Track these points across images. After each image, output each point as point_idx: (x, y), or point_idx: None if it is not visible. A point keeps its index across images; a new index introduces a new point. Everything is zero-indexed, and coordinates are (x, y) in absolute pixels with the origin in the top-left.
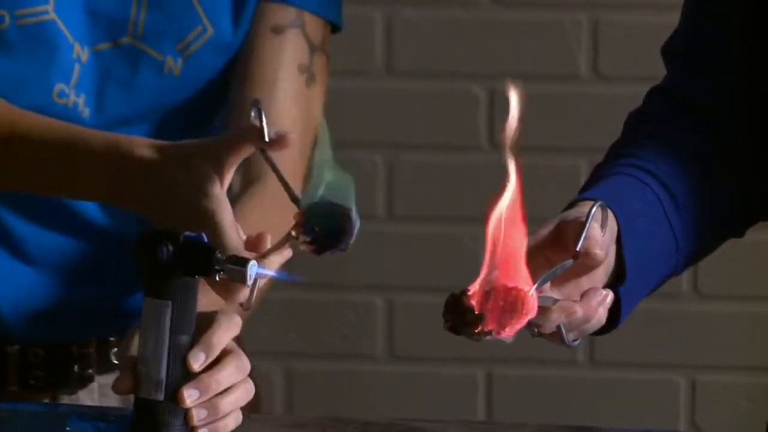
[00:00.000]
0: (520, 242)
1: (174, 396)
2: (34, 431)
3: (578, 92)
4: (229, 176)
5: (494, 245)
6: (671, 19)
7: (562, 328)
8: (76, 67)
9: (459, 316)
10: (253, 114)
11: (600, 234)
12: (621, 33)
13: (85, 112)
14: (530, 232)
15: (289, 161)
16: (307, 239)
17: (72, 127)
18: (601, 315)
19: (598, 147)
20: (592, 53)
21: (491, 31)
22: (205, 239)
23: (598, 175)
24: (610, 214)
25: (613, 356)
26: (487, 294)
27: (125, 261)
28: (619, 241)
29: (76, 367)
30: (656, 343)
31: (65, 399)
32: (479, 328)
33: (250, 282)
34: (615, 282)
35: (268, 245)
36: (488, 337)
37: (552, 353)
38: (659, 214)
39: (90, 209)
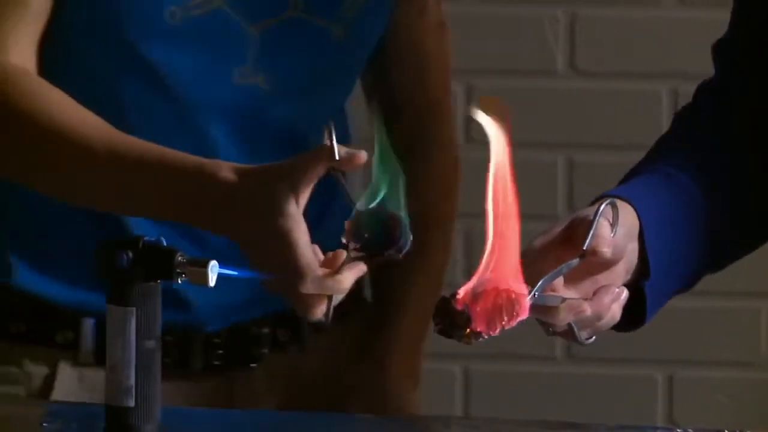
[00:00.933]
0: (513, 242)
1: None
2: None
3: (555, 88)
4: (305, 195)
5: (493, 247)
6: (649, 14)
7: (574, 327)
8: (251, 47)
9: (448, 320)
10: (325, 135)
11: (608, 232)
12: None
13: (265, 89)
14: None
15: (441, 103)
16: (356, 246)
17: (162, 149)
18: (614, 312)
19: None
20: (569, 48)
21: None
22: (164, 243)
23: (634, 171)
24: (630, 211)
25: (591, 352)
26: (476, 296)
27: None
28: (641, 238)
29: (252, 347)
30: (633, 338)
31: (241, 378)
32: (468, 331)
33: (212, 283)
34: (641, 278)
35: (343, 257)
36: (480, 339)
37: (529, 348)
38: (692, 210)
39: None
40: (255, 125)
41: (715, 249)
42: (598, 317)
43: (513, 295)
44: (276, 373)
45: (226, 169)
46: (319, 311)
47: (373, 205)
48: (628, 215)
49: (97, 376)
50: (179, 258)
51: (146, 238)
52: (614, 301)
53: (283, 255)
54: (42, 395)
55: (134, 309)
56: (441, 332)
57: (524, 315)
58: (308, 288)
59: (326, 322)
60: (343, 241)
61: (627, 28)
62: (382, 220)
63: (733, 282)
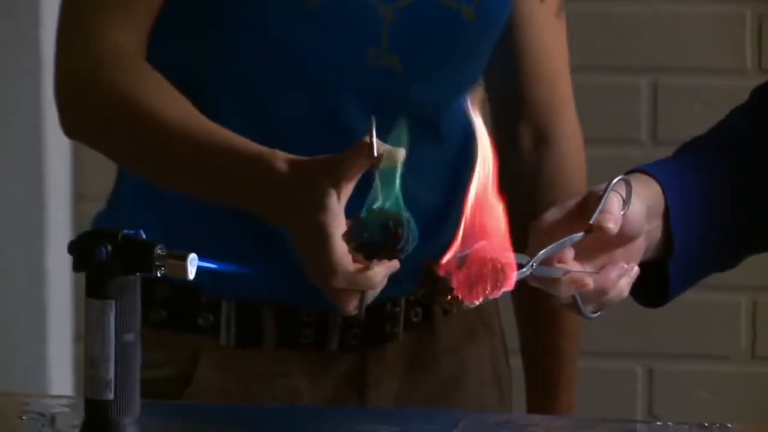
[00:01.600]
0: (499, 213)
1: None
2: None
3: None
4: (348, 190)
5: (472, 216)
6: (629, 9)
7: (578, 300)
8: (385, 29)
9: (430, 285)
10: (367, 130)
11: (617, 208)
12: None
13: (399, 70)
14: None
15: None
16: (355, 245)
17: (232, 136)
18: (622, 288)
19: None
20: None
21: None
22: (143, 236)
23: (680, 148)
24: (654, 187)
25: None
26: (460, 263)
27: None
28: (666, 216)
29: (388, 326)
30: (612, 330)
31: (373, 357)
32: (449, 298)
33: (191, 276)
34: (667, 256)
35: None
36: (465, 307)
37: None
38: (726, 188)
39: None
40: (388, 108)
41: (750, 232)
42: (603, 292)
43: (499, 265)
44: (405, 352)
45: (281, 160)
46: (352, 306)
47: (376, 205)
48: (652, 192)
49: (236, 359)
50: (158, 251)
51: (125, 231)
52: (622, 277)
53: (318, 248)
54: (184, 379)
55: (113, 302)
56: (424, 297)
57: (509, 286)
58: (339, 282)
59: (360, 317)
60: (344, 239)
61: (606, 22)
62: (382, 220)
63: (714, 275)
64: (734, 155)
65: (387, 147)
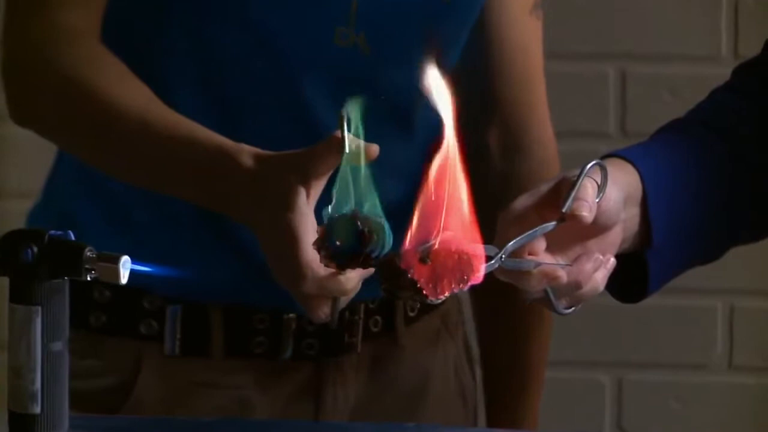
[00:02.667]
0: (461, 203)
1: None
2: None
3: None
4: (318, 188)
5: (434, 205)
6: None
7: (551, 294)
8: (353, 5)
9: (393, 280)
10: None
11: (592, 195)
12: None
13: (366, 50)
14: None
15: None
16: (326, 254)
17: (195, 127)
18: (597, 281)
19: None
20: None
21: None
22: (72, 237)
23: (658, 130)
24: (632, 173)
25: None
26: (423, 255)
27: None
28: (644, 203)
29: (346, 335)
30: (578, 338)
31: (330, 369)
32: (412, 292)
33: (123, 280)
34: (645, 247)
35: None
36: (429, 302)
37: None
38: (707, 172)
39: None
40: (355, 91)
41: (734, 219)
42: (578, 286)
43: (465, 257)
44: (364, 363)
45: (246, 154)
46: (323, 313)
47: (346, 210)
48: (630, 178)
49: (182, 368)
50: (88, 253)
51: (52, 232)
52: (597, 269)
53: (286, 250)
54: (125, 390)
55: (39, 308)
56: (385, 291)
57: (477, 280)
58: (309, 287)
59: (332, 324)
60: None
61: (569, 4)
62: (355, 226)
63: (686, 277)
64: (718, 136)
65: (360, 142)
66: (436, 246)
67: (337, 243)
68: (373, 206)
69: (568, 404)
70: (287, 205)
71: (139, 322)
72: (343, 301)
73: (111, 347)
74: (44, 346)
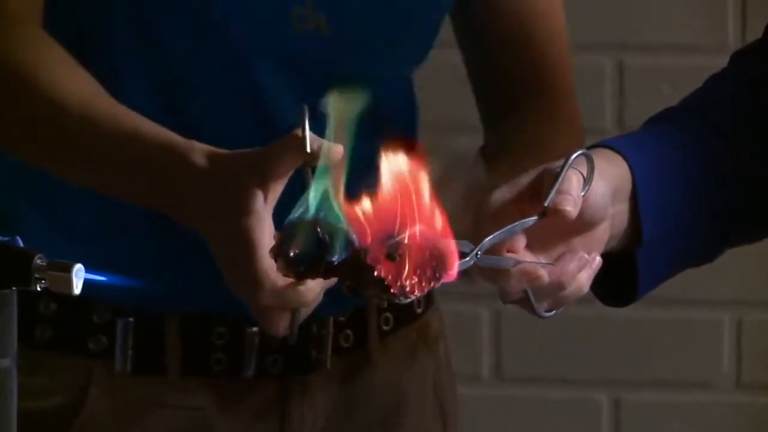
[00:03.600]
0: (428, 196)
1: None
2: None
3: None
4: (276, 191)
5: (383, 192)
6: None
7: (531, 296)
8: None
9: (358, 276)
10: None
11: (577, 188)
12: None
13: (327, 33)
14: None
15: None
16: (283, 262)
17: (142, 121)
18: (581, 282)
19: None
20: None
21: None
22: (20, 243)
23: (648, 120)
24: (620, 165)
25: (524, 371)
26: (391, 250)
27: None
28: (635, 198)
29: (313, 351)
30: (572, 354)
31: (297, 387)
32: (379, 291)
33: (77, 290)
34: (634, 246)
35: None
36: (396, 301)
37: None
38: (704, 165)
39: None
40: (318, 79)
41: (728, 217)
42: (560, 287)
43: (437, 253)
44: (333, 381)
45: (198, 153)
46: (281, 327)
47: (308, 214)
48: (618, 171)
49: (135, 387)
50: (38, 261)
51: None
52: (581, 269)
53: (241, 257)
54: (73, 410)
55: None
56: (349, 290)
57: (450, 278)
58: (266, 298)
59: (291, 339)
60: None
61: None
62: (313, 232)
63: (690, 288)
64: (713, 129)
65: (322, 142)
66: (405, 241)
67: (295, 251)
68: (333, 211)
69: (563, 425)
70: (242, 208)
71: (87, 337)
72: (304, 314)
73: (57, 364)
74: None
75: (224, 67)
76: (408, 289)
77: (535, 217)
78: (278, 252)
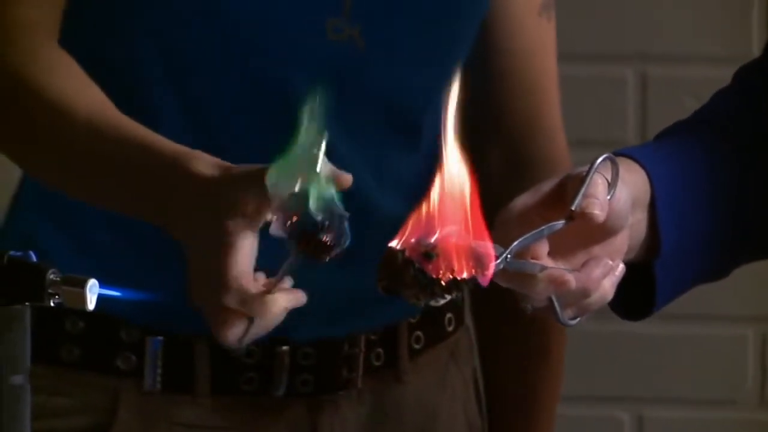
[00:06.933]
0: (466, 191)
1: None
2: None
3: None
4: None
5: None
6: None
7: (555, 303)
8: None
9: (394, 275)
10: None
11: (603, 192)
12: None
13: (361, 43)
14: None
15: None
16: (289, 228)
17: (147, 134)
18: (606, 290)
19: None
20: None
21: None
22: (34, 258)
23: (661, 133)
24: (640, 175)
25: None
26: (428, 249)
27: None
28: (653, 208)
29: (344, 370)
30: (596, 372)
31: (327, 406)
32: (415, 290)
33: (91, 306)
34: (651, 256)
35: (286, 284)
36: (432, 303)
37: None
38: (722, 178)
39: (370, 191)
40: (351, 90)
41: (744, 230)
42: (585, 293)
43: (474, 254)
44: (364, 401)
45: (203, 162)
46: (233, 333)
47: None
48: (638, 180)
49: (163, 406)
50: (51, 276)
51: (11, 252)
52: (606, 276)
53: (217, 258)
54: (101, 430)
55: None
56: (385, 289)
57: (485, 279)
58: (229, 299)
59: (239, 351)
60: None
61: (586, 5)
62: (321, 202)
63: (713, 303)
64: (727, 142)
65: (331, 168)
66: (440, 242)
67: (294, 218)
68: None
69: None
70: (235, 211)
71: (116, 356)
72: (261, 330)
73: (85, 384)
74: (3, 380)
75: (258, 78)
76: (444, 289)
77: (563, 222)
78: (284, 208)
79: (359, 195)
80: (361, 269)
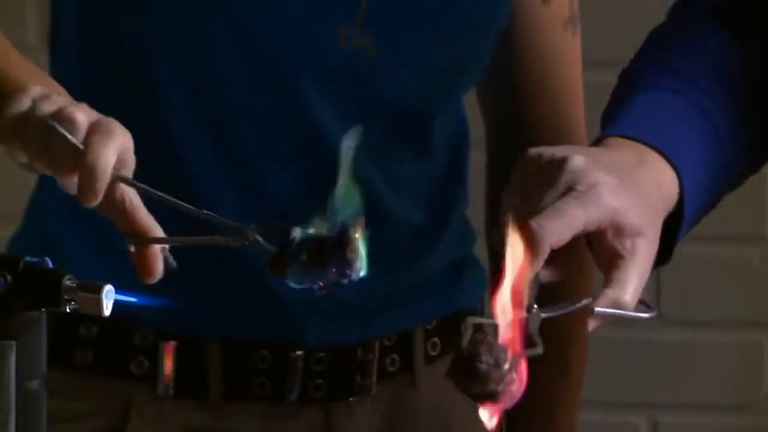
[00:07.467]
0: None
1: None
2: None
3: None
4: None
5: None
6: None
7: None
8: (363, 3)
9: (475, 382)
10: None
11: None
12: None
13: (373, 52)
14: None
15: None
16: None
17: (27, 67)
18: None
19: None
20: None
21: None
22: (50, 264)
23: (628, 88)
24: (669, 175)
25: None
26: (512, 365)
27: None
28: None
29: (358, 376)
30: (611, 377)
31: (341, 411)
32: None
33: (107, 312)
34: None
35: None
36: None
37: None
38: (706, 128)
39: (382, 197)
40: (363, 99)
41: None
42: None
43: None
44: (379, 407)
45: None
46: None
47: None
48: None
49: (176, 411)
50: (67, 282)
51: (27, 259)
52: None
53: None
54: None
55: (14, 343)
56: (458, 386)
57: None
58: (23, 102)
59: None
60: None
61: (614, 8)
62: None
63: (728, 309)
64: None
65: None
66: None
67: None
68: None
69: None
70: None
71: (129, 361)
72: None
73: (99, 388)
74: (19, 384)
75: (269, 85)
76: (513, 391)
77: (590, 299)
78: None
79: (371, 201)
80: (374, 275)
